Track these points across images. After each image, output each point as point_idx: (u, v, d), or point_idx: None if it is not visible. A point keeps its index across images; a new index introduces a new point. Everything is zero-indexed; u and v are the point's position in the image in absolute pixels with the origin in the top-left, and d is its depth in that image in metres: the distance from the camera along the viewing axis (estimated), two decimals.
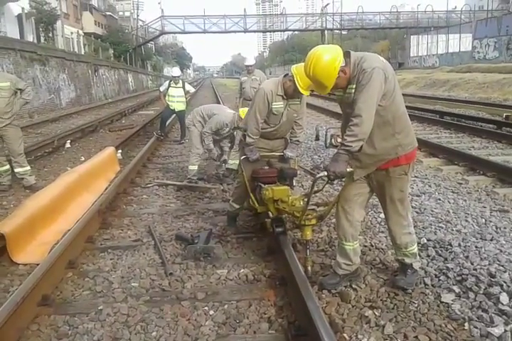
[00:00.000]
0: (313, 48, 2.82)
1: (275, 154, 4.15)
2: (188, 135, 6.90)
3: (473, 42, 34.66)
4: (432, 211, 4.48)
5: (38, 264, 3.63)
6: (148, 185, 6.37)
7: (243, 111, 5.17)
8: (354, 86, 2.71)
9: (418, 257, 3.20)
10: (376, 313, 2.82)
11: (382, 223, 4.31)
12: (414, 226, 4.12)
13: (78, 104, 23.48)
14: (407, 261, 3.10)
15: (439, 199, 4.87)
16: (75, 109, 20.30)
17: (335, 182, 4.12)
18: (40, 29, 28.78)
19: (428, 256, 3.57)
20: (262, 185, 3.81)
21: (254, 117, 3.93)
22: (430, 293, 3.07)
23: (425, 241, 3.79)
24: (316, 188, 3.25)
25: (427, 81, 27.11)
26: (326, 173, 2.75)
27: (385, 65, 2.71)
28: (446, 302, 2.94)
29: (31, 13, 27.57)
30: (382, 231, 4.10)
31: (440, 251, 3.60)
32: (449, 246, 3.65)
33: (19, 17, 26.02)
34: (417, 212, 4.47)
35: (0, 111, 5.94)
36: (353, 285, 3.14)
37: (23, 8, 24.15)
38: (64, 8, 35.56)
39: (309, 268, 3.27)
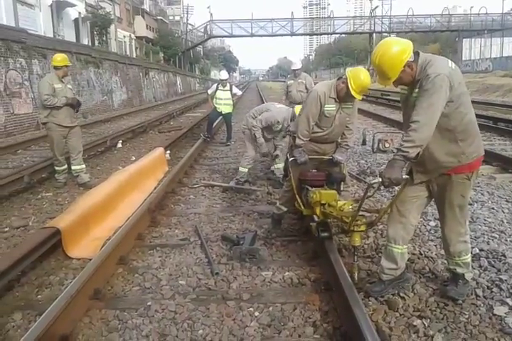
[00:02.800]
0: (383, 39, 2.85)
1: (324, 157, 4.13)
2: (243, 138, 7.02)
3: None
4: (485, 220, 4.33)
5: (90, 259, 3.80)
6: (195, 186, 6.49)
7: (298, 108, 5.16)
8: (417, 90, 2.67)
9: (471, 267, 3.11)
10: (425, 323, 2.76)
11: (432, 231, 4.21)
12: None
13: (129, 106, 24.24)
14: (459, 270, 3.01)
15: (493, 209, 4.69)
16: (126, 111, 20.99)
17: (382, 188, 4.04)
18: (95, 33, 29.95)
19: (480, 266, 3.45)
20: (310, 188, 3.80)
21: (306, 119, 3.96)
22: (482, 305, 2.97)
23: (477, 251, 3.67)
24: (368, 193, 3.21)
25: (480, 86, 26.18)
26: (380, 179, 2.71)
27: (453, 71, 2.65)
28: (499, 315, 2.83)
29: (87, 18, 28.76)
30: (432, 240, 4.01)
31: (493, 262, 3.47)
32: (502, 257, 3.52)
33: (76, 21, 27.21)
34: (469, 221, 4.31)
35: (72, 111, 6.41)
36: (401, 294, 3.08)
37: (79, 13, 25.24)
38: (117, 13, 36.87)
39: (356, 274, 3.24)
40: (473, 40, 43.56)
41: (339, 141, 4.20)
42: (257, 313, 2.99)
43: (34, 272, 3.65)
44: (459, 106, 2.68)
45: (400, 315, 2.89)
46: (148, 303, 3.11)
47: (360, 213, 3.25)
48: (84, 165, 6.71)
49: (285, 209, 4.34)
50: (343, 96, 3.87)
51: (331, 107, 3.93)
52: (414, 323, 2.75)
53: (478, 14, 49.90)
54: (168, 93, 36.70)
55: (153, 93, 31.69)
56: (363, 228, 3.25)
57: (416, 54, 2.72)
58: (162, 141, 10.90)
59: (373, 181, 2.85)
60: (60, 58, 6.33)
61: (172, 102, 29.35)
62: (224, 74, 10.58)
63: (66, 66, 6.34)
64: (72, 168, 6.60)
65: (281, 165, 6.98)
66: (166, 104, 27.76)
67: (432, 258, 3.65)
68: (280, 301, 3.13)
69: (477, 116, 10.79)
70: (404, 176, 2.78)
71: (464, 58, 45.10)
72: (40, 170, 7.02)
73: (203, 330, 2.81)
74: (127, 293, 3.32)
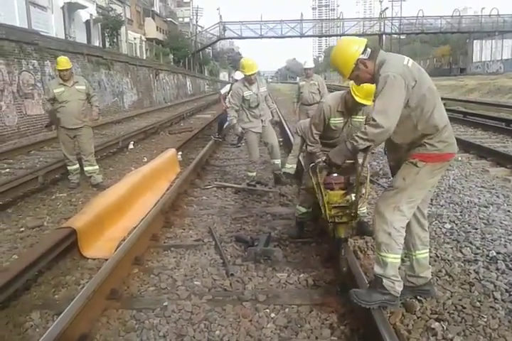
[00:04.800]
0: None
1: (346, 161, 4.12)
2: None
3: None
4: (501, 223, 4.29)
5: (106, 259, 3.82)
6: (208, 187, 6.51)
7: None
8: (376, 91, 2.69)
9: (390, 271, 2.73)
10: (443, 326, 2.74)
11: (448, 234, 4.18)
12: (482, 238, 4.00)
13: (140, 107, 24.36)
14: (375, 269, 2.82)
15: (509, 211, 4.65)
16: (137, 112, 21.10)
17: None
18: (106, 34, 30.15)
19: (498, 269, 3.42)
20: (328, 191, 3.79)
21: (310, 128, 4.10)
22: (500, 308, 2.94)
23: (494, 254, 3.64)
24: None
25: (491, 87, 25.96)
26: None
27: (407, 70, 2.59)
28: None
29: (98, 19, 28.97)
30: (448, 242, 3.98)
31: (511, 265, 3.44)
32: None
33: (87, 23, 27.43)
34: (484, 223, 4.30)
35: (77, 112, 6.32)
36: (418, 297, 3.06)
37: (91, 15, 25.45)
38: (128, 15, 37.09)
39: (344, 268, 3.27)
40: (484, 41, 43.31)
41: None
42: (273, 314, 2.99)
43: (51, 272, 3.68)
44: (420, 104, 2.62)
45: (418, 317, 2.87)
46: (165, 303, 3.12)
47: (342, 205, 3.28)
48: (97, 166, 6.75)
49: (304, 209, 4.32)
50: (352, 107, 3.86)
51: (337, 120, 3.97)
52: (433, 326, 2.73)
53: (490, 15, 49.48)
54: (178, 94, 36.84)
55: (164, 94, 31.83)
56: (344, 219, 3.29)
57: (375, 52, 2.71)
58: (173, 142, 10.94)
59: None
60: (59, 61, 6.23)
61: (182, 104, 29.45)
62: (238, 75, 10.60)
63: (66, 69, 6.20)
64: (85, 169, 6.64)
65: (294, 165, 6.99)
66: (175, 105, 27.88)
67: (448, 261, 3.62)
68: (296, 303, 3.13)
69: (489, 117, 10.70)
70: (347, 161, 2.94)
71: (474, 60, 44.87)
72: (53, 170, 7.08)
73: (220, 331, 2.81)
74: (143, 294, 3.33)
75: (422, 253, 2.95)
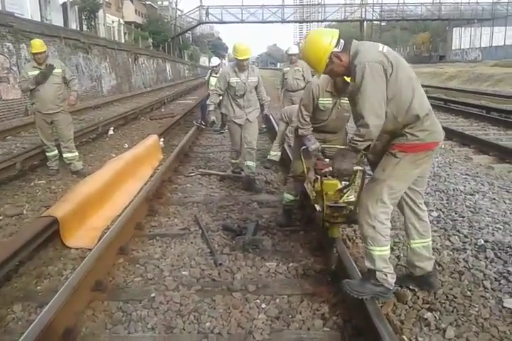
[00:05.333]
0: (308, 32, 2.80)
1: (339, 146, 4.04)
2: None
3: None
4: (488, 211, 4.31)
5: (89, 249, 3.71)
6: (191, 174, 6.40)
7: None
8: (353, 83, 2.60)
9: (379, 264, 2.70)
10: (435, 316, 2.72)
11: (435, 222, 4.17)
12: (470, 227, 4.01)
13: (118, 92, 23.87)
14: (365, 262, 2.80)
15: (494, 199, 4.68)
16: (116, 97, 20.68)
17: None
18: (83, 17, 29.32)
19: (486, 258, 3.43)
20: (319, 178, 3.73)
21: (300, 110, 3.97)
22: (491, 297, 2.94)
23: (482, 242, 3.65)
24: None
25: (470, 75, 26.23)
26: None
27: (383, 57, 2.49)
28: (509, 308, 2.81)
29: (75, 2, 28.12)
30: (435, 231, 3.97)
31: (499, 254, 3.45)
32: (508, 249, 3.51)
33: (64, 5, 26.59)
34: (471, 212, 4.31)
35: (52, 97, 6.07)
36: (410, 286, 3.04)
37: None
38: None
39: (333, 266, 3.24)
40: (463, 29, 43.66)
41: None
42: (264, 305, 2.94)
43: (32, 262, 3.55)
44: (398, 92, 2.52)
45: (410, 307, 2.85)
46: (152, 295, 3.03)
47: (340, 205, 3.21)
48: (76, 153, 6.56)
49: (292, 197, 4.25)
50: (341, 88, 3.76)
51: (325, 101, 3.87)
52: (425, 316, 2.72)
53: (469, 3, 49.82)
54: (158, 79, 36.24)
55: (143, 79, 31.25)
56: (339, 220, 3.24)
57: (348, 43, 2.61)
58: (155, 128, 10.74)
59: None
60: (33, 44, 5.99)
61: (162, 89, 28.98)
62: (214, 61, 10.44)
63: (41, 53, 5.96)
64: (64, 155, 6.45)
65: (278, 152, 6.92)
66: (155, 90, 27.41)
67: (436, 249, 3.60)
68: (287, 293, 3.08)
69: (470, 105, 10.78)
70: (355, 167, 2.74)
71: (453, 47, 45.24)
72: (32, 157, 6.86)
73: (210, 323, 2.74)
74: (129, 284, 3.24)
75: (418, 243, 2.90)
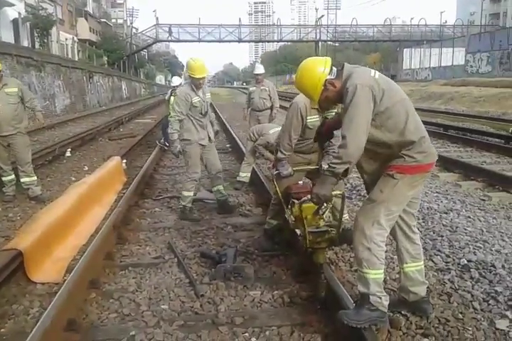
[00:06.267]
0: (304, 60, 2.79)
1: (310, 167, 3.96)
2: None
3: (466, 56, 34.99)
4: (465, 229, 4.32)
5: (56, 283, 3.44)
6: (159, 197, 6.16)
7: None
8: (343, 105, 2.59)
9: (373, 288, 2.62)
10: None
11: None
12: (450, 246, 3.99)
13: (72, 111, 23.19)
14: (359, 287, 2.72)
15: (469, 217, 4.71)
16: (70, 116, 19.99)
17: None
18: (36, 35, 28.51)
19: (472, 278, 3.40)
20: (295, 201, 3.62)
21: (288, 132, 3.81)
22: (482, 319, 2.89)
23: (465, 262, 3.63)
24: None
25: (423, 94, 27.29)
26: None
27: (375, 82, 2.50)
28: (502, 329, 2.77)
29: (27, 18, 27.37)
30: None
31: (484, 273, 3.43)
32: (492, 268, 3.49)
33: (15, 22, 25.82)
34: (449, 231, 4.31)
35: (8, 118, 5.73)
36: (402, 312, 2.95)
37: (19, 13, 23.98)
38: (59, 14, 35.48)
39: (323, 293, 3.12)
40: (413, 49, 45.44)
41: (325, 148, 4.03)
42: (253, 339, 2.77)
43: None
44: (392, 116, 2.53)
45: (404, 333, 2.76)
46: (132, 333, 2.80)
47: (322, 229, 3.13)
48: (35, 177, 6.17)
49: (275, 222, 4.12)
50: (326, 104, 3.71)
51: (313, 118, 3.78)
52: None
53: (418, 25, 52.26)
54: (113, 98, 35.60)
55: (98, 98, 30.59)
56: (323, 245, 3.15)
57: (340, 70, 2.64)
58: (115, 149, 10.41)
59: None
60: None
61: (118, 108, 28.38)
62: (176, 81, 10.33)
63: None
64: (22, 180, 6.05)
65: (248, 174, 6.80)
66: (111, 109, 26.78)
67: None
68: (276, 324, 2.92)
69: (427, 123, 11.08)
70: (334, 192, 2.73)
71: (404, 67, 46.93)
72: None
73: None
74: (105, 322, 2.98)
75: (411, 267, 2.84)
